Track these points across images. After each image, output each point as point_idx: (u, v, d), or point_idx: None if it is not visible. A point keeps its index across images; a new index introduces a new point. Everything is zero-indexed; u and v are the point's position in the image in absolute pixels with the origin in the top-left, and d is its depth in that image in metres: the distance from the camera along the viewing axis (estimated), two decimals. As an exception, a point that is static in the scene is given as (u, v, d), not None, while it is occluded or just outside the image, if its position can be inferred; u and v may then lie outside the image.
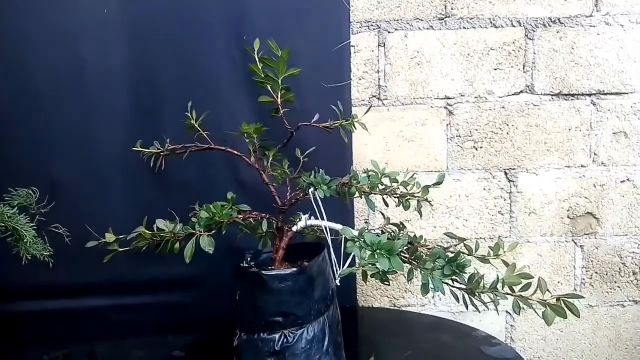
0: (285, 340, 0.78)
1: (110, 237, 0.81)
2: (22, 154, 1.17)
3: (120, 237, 0.83)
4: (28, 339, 1.22)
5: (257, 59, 0.88)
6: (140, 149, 0.92)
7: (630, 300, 1.34)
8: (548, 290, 0.72)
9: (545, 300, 0.72)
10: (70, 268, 1.10)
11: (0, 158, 1.16)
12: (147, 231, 0.79)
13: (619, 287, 1.33)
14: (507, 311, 1.33)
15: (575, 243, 1.31)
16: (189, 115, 0.94)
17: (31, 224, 0.76)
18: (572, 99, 1.26)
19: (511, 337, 1.34)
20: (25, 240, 0.72)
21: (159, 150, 0.92)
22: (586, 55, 1.24)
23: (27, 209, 0.83)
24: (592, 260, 1.32)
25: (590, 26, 1.23)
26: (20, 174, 1.14)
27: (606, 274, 1.32)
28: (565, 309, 0.71)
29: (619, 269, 1.32)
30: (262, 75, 0.88)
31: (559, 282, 1.32)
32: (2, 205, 0.75)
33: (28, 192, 0.82)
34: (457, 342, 1.02)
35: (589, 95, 1.26)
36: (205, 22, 1.17)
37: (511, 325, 1.34)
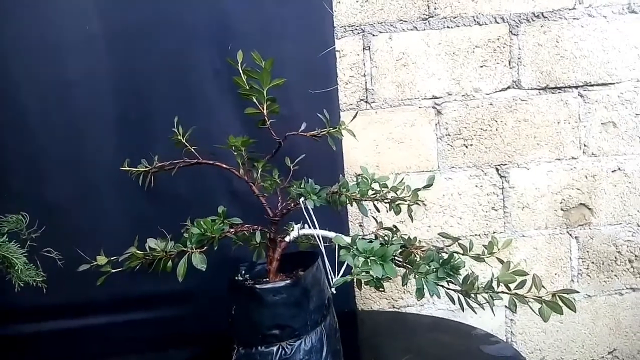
0: (283, 352, 0.78)
1: (102, 259, 0.80)
2: (10, 175, 1.16)
3: (112, 258, 0.82)
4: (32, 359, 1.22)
5: (241, 72, 0.87)
6: (128, 168, 0.92)
7: (628, 288, 1.34)
8: (543, 286, 0.72)
9: (541, 297, 0.72)
10: (65, 289, 1.09)
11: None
12: (139, 252, 0.78)
13: (615, 275, 1.33)
14: (506, 306, 1.33)
15: (570, 235, 1.31)
16: (176, 131, 0.93)
17: (22, 251, 0.76)
18: (559, 92, 1.26)
19: (511, 332, 1.34)
20: (16, 267, 0.72)
21: (147, 168, 0.92)
22: (571, 48, 1.25)
23: (17, 235, 0.82)
24: (587, 251, 1.32)
25: (574, 19, 1.24)
26: (8, 196, 1.14)
27: (602, 264, 1.33)
28: (561, 304, 0.71)
29: (615, 257, 1.33)
30: (247, 87, 0.88)
31: (556, 274, 1.32)
32: (-8, 233, 0.75)
33: (18, 218, 0.82)
34: (456, 342, 1.02)
35: (576, 87, 1.26)
36: (190, 32, 1.16)
37: (511, 320, 1.34)
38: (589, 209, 1.30)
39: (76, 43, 1.15)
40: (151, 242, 0.78)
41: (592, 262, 1.33)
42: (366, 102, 1.25)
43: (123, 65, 1.16)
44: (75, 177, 1.19)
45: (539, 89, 1.26)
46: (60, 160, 1.18)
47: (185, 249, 0.76)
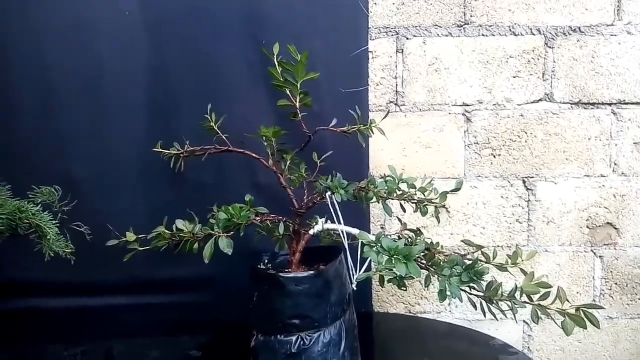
0: (302, 342, 0.78)
1: (131, 236, 0.82)
2: (43, 154, 1.19)
3: (140, 236, 0.84)
4: (48, 335, 1.24)
5: (276, 63, 0.88)
6: (160, 149, 0.93)
7: (650, 313, 1.31)
8: (567, 300, 0.71)
9: (565, 310, 0.71)
10: (88, 267, 1.11)
11: (21, 158, 1.18)
12: (166, 231, 0.79)
13: (639, 299, 1.30)
14: (524, 321, 1.31)
15: (595, 253, 1.29)
16: (209, 117, 0.94)
17: (54, 222, 0.77)
18: (592, 108, 1.25)
19: (528, 347, 1.32)
20: (48, 237, 0.73)
21: (179, 152, 0.93)
22: (607, 64, 1.23)
23: (49, 207, 0.84)
24: (611, 271, 1.30)
25: (612, 35, 1.22)
26: (40, 173, 1.16)
27: (626, 286, 1.30)
28: (585, 319, 0.70)
29: (640, 280, 1.30)
30: (281, 79, 0.89)
31: (577, 292, 1.30)
32: (26, 202, 0.77)
33: (51, 190, 0.84)
34: (473, 350, 1.01)
35: (609, 104, 1.24)
36: (224, 25, 1.18)
37: (528, 335, 1.32)
38: (616, 228, 1.28)
39: (112, 25, 1.17)
40: (179, 223, 0.79)
41: (616, 283, 1.30)
42: (395, 104, 1.25)
43: (156, 51, 1.18)
44: (103, 159, 1.21)
45: (571, 104, 1.25)
46: (90, 143, 1.20)
47: (213, 232, 0.77)
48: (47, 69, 1.17)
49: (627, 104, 1.24)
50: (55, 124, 1.19)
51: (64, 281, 1.19)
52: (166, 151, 0.93)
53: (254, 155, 0.94)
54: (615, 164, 1.26)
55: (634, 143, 1.26)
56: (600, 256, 1.29)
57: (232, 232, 0.79)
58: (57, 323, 1.23)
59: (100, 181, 1.20)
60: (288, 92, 0.90)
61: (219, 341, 1.08)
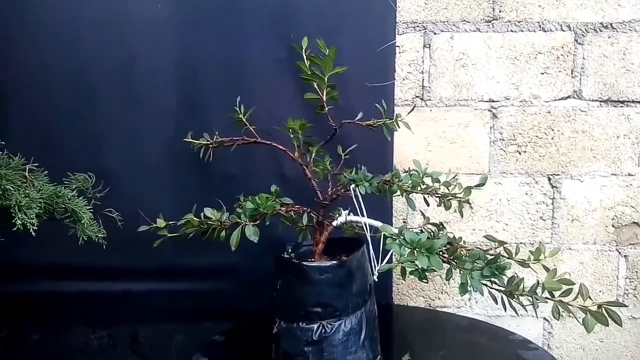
0: (323, 330, 0.80)
1: (161, 222, 0.85)
2: (76, 144, 1.23)
3: (170, 223, 0.87)
4: (76, 318, 1.29)
5: (304, 57, 0.90)
6: (190, 140, 0.96)
7: (676, 315, 1.29)
8: (590, 297, 0.71)
9: (587, 307, 0.71)
10: (117, 252, 1.14)
11: (57, 147, 1.22)
12: (195, 218, 0.82)
13: (664, 300, 1.29)
14: (545, 318, 1.30)
15: (620, 253, 1.28)
16: (238, 109, 0.97)
17: (88, 207, 0.80)
18: (621, 106, 1.23)
19: (548, 345, 1.32)
20: (83, 221, 0.77)
21: (208, 142, 0.96)
22: (638, 62, 1.21)
23: (84, 193, 0.88)
24: (636, 271, 1.28)
25: (645, 31, 1.20)
26: (74, 163, 1.20)
27: (651, 287, 1.28)
28: (607, 316, 0.70)
29: (665, 282, 1.28)
30: (309, 73, 0.91)
31: (600, 291, 1.29)
32: (63, 188, 0.80)
33: (85, 177, 0.88)
34: (493, 345, 1.01)
35: (640, 102, 1.23)
36: (253, 20, 1.20)
37: (549, 333, 1.31)
38: (642, 228, 1.26)
39: (145, 20, 1.20)
40: (207, 212, 0.82)
41: (640, 284, 1.29)
42: (421, 99, 1.25)
43: (187, 46, 1.21)
44: (134, 149, 1.24)
45: (600, 101, 1.23)
46: (121, 133, 1.23)
47: (239, 221, 0.79)
48: (82, 65, 1.21)
49: (658, 102, 1.22)
50: (90, 117, 1.22)
51: (94, 265, 1.23)
52: (196, 141, 0.96)
53: (280, 147, 0.96)
54: (644, 163, 1.24)
55: (664, 142, 1.24)
56: (625, 256, 1.28)
57: (258, 222, 0.81)
58: (84, 307, 1.27)
59: (131, 171, 1.23)
60: (315, 85, 0.91)
61: (241, 328, 1.11)
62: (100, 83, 1.22)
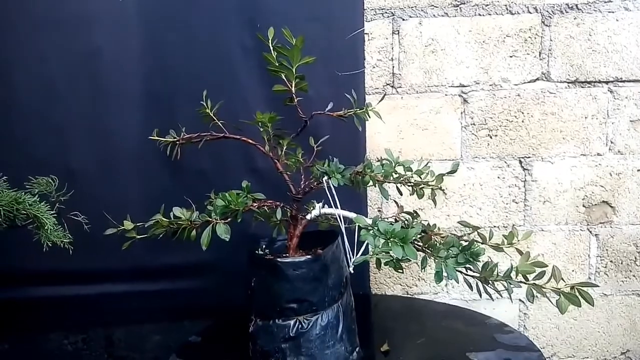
0: (300, 326, 0.79)
1: (128, 224, 0.82)
2: (39, 143, 1.19)
3: (138, 224, 0.84)
4: (49, 323, 1.26)
5: (271, 48, 0.88)
6: (156, 137, 0.93)
7: (645, 290, 1.33)
8: (562, 279, 0.72)
9: (560, 289, 0.72)
10: (88, 255, 1.12)
11: (19, 147, 1.18)
12: (164, 219, 0.80)
13: (634, 276, 1.32)
14: (520, 300, 1.33)
15: (591, 232, 1.30)
16: (204, 104, 0.94)
17: (51, 212, 0.77)
18: (588, 87, 1.24)
19: (524, 326, 1.34)
20: (46, 227, 0.74)
21: (175, 139, 0.93)
22: (604, 42, 1.22)
23: (47, 197, 0.84)
24: (607, 249, 1.31)
25: (609, 12, 1.21)
26: (38, 163, 1.16)
27: (621, 263, 1.31)
28: (580, 297, 0.71)
29: (635, 258, 1.31)
30: (277, 64, 0.88)
31: (573, 270, 1.31)
32: (23, 193, 0.77)
33: (48, 181, 0.84)
34: (470, 330, 1.02)
35: (606, 82, 1.24)
36: (219, 8, 1.17)
37: (524, 314, 1.34)
38: (612, 207, 1.29)
39: (108, 14, 1.16)
40: (176, 211, 0.80)
41: (611, 261, 1.32)
42: (392, 86, 1.24)
43: (152, 39, 1.18)
44: (101, 147, 1.21)
45: (568, 82, 1.24)
46: (87, 131, 1.20)
47: (210, 219, 0.77)
48: (43, 60, 1.17)
49: (624, 81, 1.24)
50: (51, 114, 1.19)
51: (64, 270, 1.20)
52: (162, 139, 0.93)
53: (250, 141, 0.94)
54: (611, 142, 1.26)
55: (631, 121, 1.26)
56: (596, 234, 1.30)
57: (229, 219, 0.80)
58: (58, 312, 1.24)
59: (97, 170, 1.20)
60: (284, 77, 0.89)
61: (219, 327, 1.10)
62: (63, 82, 1.18)
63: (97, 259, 1.19)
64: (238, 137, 0.94)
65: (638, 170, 1.27)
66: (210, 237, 0.76)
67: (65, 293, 1.24)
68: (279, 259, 0.81)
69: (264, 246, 0.92)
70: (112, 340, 1.24)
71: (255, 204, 0.85)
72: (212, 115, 0.94)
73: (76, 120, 1.19)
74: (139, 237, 0.84)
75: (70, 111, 1.19)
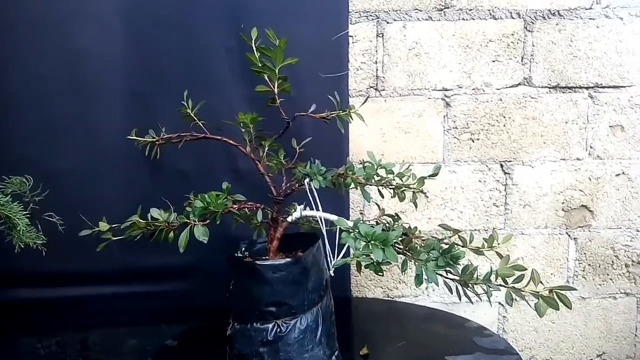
0: (278, 330, 0.78)
1: (103, 226, 0.80)
2: (16, 142, 1.16)
3: (114, 225, 0.83)
4: (21, 327, 1.23)
5: (254, 48, 0.87)
6: (135, 137, 0.92)
7: (621, 293, 1.35)
8: (541, 282, 0.72)
9: (538, 292, 0.72)
10: (63, 256, 1.09)
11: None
12: (141, 220, 0.78)
13: (611, 279, 1.34)
14: (499, 302, 1.34)
15: (569, 235, 1.32)
16: (185, 104, 0.93)
17: (24, 212, 0.75)
18: (569, 92, 1.26)
19: (503, 329, 1.35)
20: (18, 228, 0.72)
21: (154, 139, 0.92)
22: (585, 48, 1.24)
23: (20, 197, 0.82)
24: (585, 253, 1.33)
25: (590, 19, 1.23)
26: (14, 162, 1.13)
27: (599, 267, 1.33)
28: (558, 300, 0.72)
29: (612, 261, 1.33)
30: (260, 65, 0.87)
31: (552, 274, 1.33)
32: (-5, 193, 0.75)
33: (22, 180, 0.82)
34: (450, 333, 1.02)
35: (587, 88, 1.26)
36: (203, 8, 1.15)
37: (503, 317, 1.35)
38: (590, 211, 1.31)
39: (89, 13, 1.14)
40: (154, 212, 0.78)
41: (589, 265, 1.33)
42: (376, 89, 1.24)
43: (134, 38, 1.16)
44: (80, 146, 1.18)
45: (549, 88, 1.26)
46: (66, 130, 1.18)
47: (188, 221, 0.76)
48: (22, 59, 1.14)
49: (604, 87, 1.26)
50: (29, 113, 1.16)
51: (38, 271, 1.17)
52: (141, 139, 0.92)
53: (231, 142, 0.93)
54: (591, 147, 1.28)
55: (610, 126, 1.28)
56: (574, 238, 1.32)
57: (208, 221, 0.78)
58: (31, 315, 1.21)
59: (76, 170, 1.18)
60: (266, 77, 0.88)
61: (196, 329, 1.08)
62: (42, 81, 1.16)
63: (74, 260, 1.17)
64: (219, 137, 0.93)
65: (617, 175, 1.29)
66: (188, 239, 0.75)
67: (38, 295, 1.21)
68: (258, 262, 0.80)
69: (243, 248, 0.91)
70: (87, 343, 1.22)
71: (235, 206, 0.84)
72: (192, 115, 0.93)
73: (55, 120, 1.17)
74: (114, 238, 0.82)
75: (49, 111, 1.17)
